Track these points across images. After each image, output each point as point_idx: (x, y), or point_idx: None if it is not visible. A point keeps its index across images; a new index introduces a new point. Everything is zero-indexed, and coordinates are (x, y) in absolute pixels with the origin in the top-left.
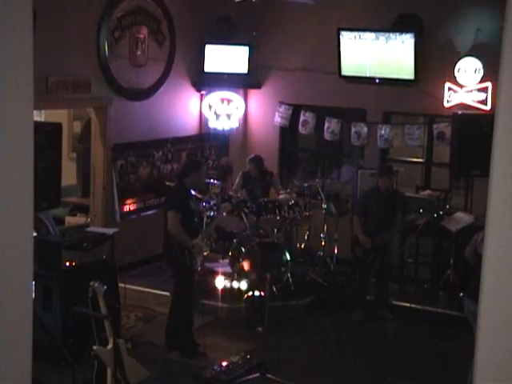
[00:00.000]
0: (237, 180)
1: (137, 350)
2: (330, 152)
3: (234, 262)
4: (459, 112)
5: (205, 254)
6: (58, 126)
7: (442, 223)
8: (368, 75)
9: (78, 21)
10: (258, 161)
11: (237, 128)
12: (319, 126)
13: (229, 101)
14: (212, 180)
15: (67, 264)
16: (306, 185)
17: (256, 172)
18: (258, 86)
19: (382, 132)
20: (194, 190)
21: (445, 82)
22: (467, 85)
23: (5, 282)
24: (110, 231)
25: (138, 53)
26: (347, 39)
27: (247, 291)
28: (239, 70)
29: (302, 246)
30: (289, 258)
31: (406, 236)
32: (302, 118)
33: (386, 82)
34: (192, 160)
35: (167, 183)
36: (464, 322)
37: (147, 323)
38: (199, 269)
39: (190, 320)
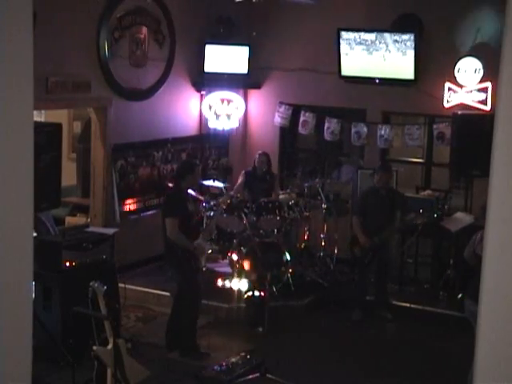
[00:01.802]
0: (239, 180)
1: (137, 350)
2: (330, 152)
3: (234, 262)
4: (459, 112)
5: (209, 252)
6: (58, 126)
7: (441, 223)
8: (368, 75)
9: (78, 21)
10: (268, 157)
11: (237, 128)
12: (319, 126)
13: (229, 101)
14: (213, 180)
15: (67, 264)
16: (306, 185)
17: (264, 167)
18: (257, 86)
19: (382, 132)
20: (194, 191)
21: (445, 82)
22: (467, 85)
23: (5, 282)
24: (110, 231)
25: (138, 53)
26: (347, 39)
27: (247, 291)
28: (239, 70)
29: (302, 245)
30: (289, 258)
31: (406, 236)
32: (301, 118)
33: (386, 81)
34: (186, 162)
35: (168, 183)
36: (464, 322)
37: (147, 323)
38: (204, 269)
39: (195, 320)
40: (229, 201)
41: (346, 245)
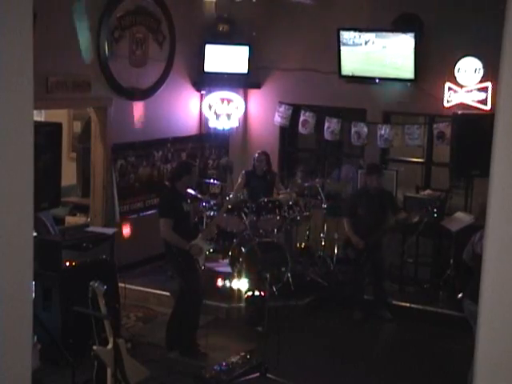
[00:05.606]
0: (239, 180)
1: (137, 350)
2: (330, 152)
3: (234, 262)
4: (459, 112)
5: (208, 253)
6: (58, 126)
7: (442, 223)
8: (368, 75)
9: None
10: (268, 156)
11: (237, 128)
12: (319, 125)
13: (229, 101)
14: (212, 180)
15: (67, 264)
16: (306, 185)
17: (264, 167)
18: (257, 86)
19: (382, 132)
20: (194, 190)
21: (445, 82)
22: (467, 85)
23: (5, 282)
24: (109, 231)
25: (138, 53)
26: (347, 39)
27: (247, 291)
28: (239, 69)
29: (302, 245)
30: (289, 257)
31: (406, 236)
32: (301, 118)
33: (386, 81)
34: (183, 163)
35: (166, 182)
36: (464, 322)
37: (147, 323)
38: (203, 268)
39: (196, 321)
40: (235, 200)
41: (340, 245)
